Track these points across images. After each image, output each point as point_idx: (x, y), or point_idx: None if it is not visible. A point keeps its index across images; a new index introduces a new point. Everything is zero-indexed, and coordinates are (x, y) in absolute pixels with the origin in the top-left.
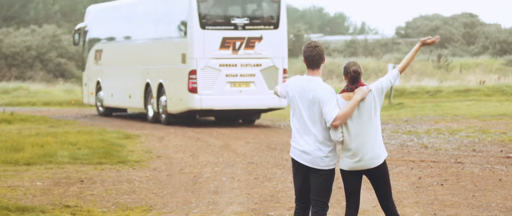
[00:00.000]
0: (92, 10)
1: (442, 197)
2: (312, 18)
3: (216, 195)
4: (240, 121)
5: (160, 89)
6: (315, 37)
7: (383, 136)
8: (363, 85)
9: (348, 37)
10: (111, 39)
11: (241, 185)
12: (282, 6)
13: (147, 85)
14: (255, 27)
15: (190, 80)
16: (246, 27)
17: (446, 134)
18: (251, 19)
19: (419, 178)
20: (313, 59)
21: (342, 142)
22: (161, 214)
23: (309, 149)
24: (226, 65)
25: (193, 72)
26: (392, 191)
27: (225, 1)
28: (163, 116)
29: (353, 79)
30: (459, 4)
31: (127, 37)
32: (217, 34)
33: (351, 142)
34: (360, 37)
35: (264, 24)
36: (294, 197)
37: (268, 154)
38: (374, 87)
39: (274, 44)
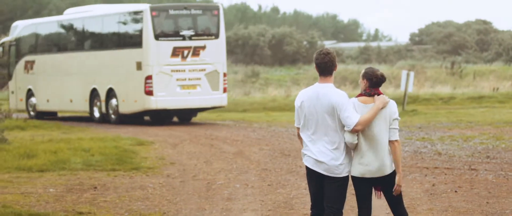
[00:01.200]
0: (19, 25)
1: (456, 204)
2: (325, 25)
3: (230, 201)
4: (175, 119)
5: (109, 93)
6: (329, 44)
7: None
8: (380, 93)
9: (361, 44)
10: (45, 51)
11: (254, 192)
12: (221, 19)
13: (93, 90)
14: (199, 37)
15: (147, 84)
16: (192, 38)
17: (460, 141)
18: (196, 31)
19: (433, 185)
20: (325, 66)
21: (355, 147)
22: None
23: (324, 157)
24: (177, 70)
25: (149, 77)
26: (406, 198)
27: (174, 16)
28: (113, 116)
29: (376, 84)
30: (472, 11)
31: (68, 49)
32: (169, 44)
33: (365, 148)
34: (374, 44)
35: (207, 35)
36: (307, 203)
37: (281, 160)
38: (393, 107)
39: (215, 52)
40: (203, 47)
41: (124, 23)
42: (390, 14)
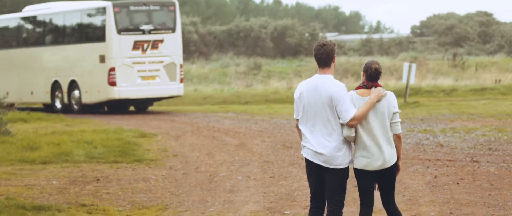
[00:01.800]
0: None
1: (458, 196)
2: (327, 17)
3: (232, 193)
4: (132, 108)
5: (72, 85)
6: (331, 36)
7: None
8: (379, 85)
9: (363, 36)
10: (6, 46)
11: (257, 184)
12: (177, 14)
13: (55, 82)
14: (158, 32)
15: (110, 76)
16: (151, 32)
17: (462, 133)
18: (155, 25)
19: (435, 177)
20: (321, 57)
21: (354, 140)
22: (177, 213)
23: (323, 149)
24: (137, 62)
25: (112, 69)
26: (408, 190)
27: (134, 12)
28: (76, 106)
29: (372, 77)
30: (473, 3)
31: (30, 44)
32: (130, 38)
33: (366, 141)
34: (376, 36)
35: (165, 29)
36: (309, 195)
37: (283, 152)
38: (391, 99)
39: (172, 45)
40: (161, 41)
41: (87, 19)
42: (392, 6)
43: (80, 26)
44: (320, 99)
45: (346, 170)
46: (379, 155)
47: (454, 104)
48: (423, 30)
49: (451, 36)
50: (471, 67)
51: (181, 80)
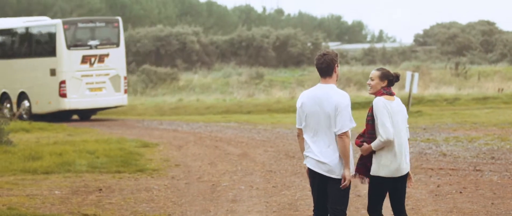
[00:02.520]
0: None
1: (461, 205)
2: (330, 26)
3: (235, 203)
4: (76, 116)
5: (21, 96)
6: (333, 45)
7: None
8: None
9: (366, 45)
10: None
11: (259, 194)
12: (120, 30)
13: (3, 93)
14: (104, 46)
15: (61, 88)
16: (98, 47)
17: (464, 142)
18: (101, 41)
19: (438, 186)
20: (322, 67)
21: (387, 143)
22: None
23: (325, 158)
24: (86, 75)
25: (63, 82)
26: (411, 199)
27: (82, 29)
28: (25, 116)
29: (393, 83)
30: (476, 12)
31: None
32: (79, 53)
33: (396, 146)
34: (378, 45)
35: (110, 44)
36: (312, 205)
37: (286, 162)
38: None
39: (117, 58)
40: (107, 55)
41: (38, 35)
42: (395, 15)
43: (31, 41)
44: (322, 109)
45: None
46: (403, 161)
47: (457, 114)
48: (426, 39)
49: (453, 45)
50: (473, 76)
51: (125, 91)
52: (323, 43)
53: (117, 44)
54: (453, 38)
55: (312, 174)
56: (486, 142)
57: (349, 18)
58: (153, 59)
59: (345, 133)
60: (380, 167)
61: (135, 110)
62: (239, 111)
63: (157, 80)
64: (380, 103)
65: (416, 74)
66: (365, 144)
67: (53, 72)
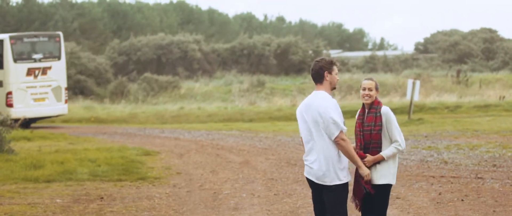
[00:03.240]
0: None
1: (462, 213)
2: (331, 34)
3: (236, 211)
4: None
5: None
6: (334, 53)
7: (403, 152)
8: (378, 103)
9: (367, 53)
10: None
11: (261, 201)
12: (61, 44)
13: None
14: (47, 60)
15: (8, 99)
16: (41, 60)
17: (466, 149)
18: (44, 54)
19: (440, 194)
20: (312, 74)
21: (402, 152)
22: None
23: (315, 165)
24: (30, 87)
25: (10, 93)
26: (413, 207)
27: (27, 43)
28: None
29: None
30: (477, 20)
31: None
32: (24, 66)
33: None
34: (379, 53)
35: (52, 58)
36: (313, 213)
37: (287, 170)
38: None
39: (58, 71)
40: (50, 68)
41: None
42: (396, 23)
43: None
44: (312, 116)
45: (343, 186)
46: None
47: (458, 121)
48: (427, 46)
49: (455, 53)
50: (475, 84)
51: (66, 101)
52: (324, 51)
53: (59, 58)
54: (454, 46)
55: (309, 182)
56: (488, 149)
57: (350, 26)
58: (155, 68)
59: (338, 137)
60: (391, 176)
61: (136, 118)
62: (240, 118)
63: (159, 89)
64: (391, 111)
65: (418, 82)
66: (368, 155)
67: (0, 84)
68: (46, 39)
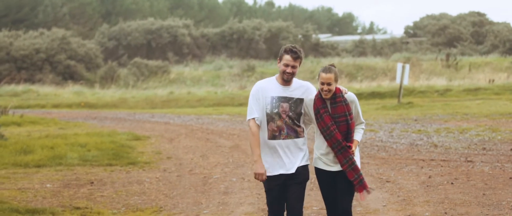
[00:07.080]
0: None
1: (452, 196)
2: (320, 18)
3: (226, 195)
4: None
5: None
6: (324, 37)
7: (393, 135)
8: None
9: (356, 37)
10: None
11: (251, 186)
12: None
13: None
14: None
15: None
16: None
17: (456, 133)
18: None
19: (429, 177)
20: None
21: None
22: (171, 215)
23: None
24: None
25: None
26: (403, 190)
27: None
28: None
29: None
30: (466, 3)
31: None
32: None
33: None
34: (369, 37)
35: None
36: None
37: None
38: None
39: None
40: None
41: None
42: (385, 7)
43: None
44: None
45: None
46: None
47: (448, 105)
48: (416, 30)
49: (444, 37)
50: (464, 68)
51: None
52: (314, 35)
53: None
54: (443, 29)
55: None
56: (477, 133)
57: (339, 10)
58: (144, 52)
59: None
60: (359, 158)
61: (126, 103)
62: (230, 103)
63: (148, 73)
64: (355, 96)
65: (407, 66)
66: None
67: None
68: None
